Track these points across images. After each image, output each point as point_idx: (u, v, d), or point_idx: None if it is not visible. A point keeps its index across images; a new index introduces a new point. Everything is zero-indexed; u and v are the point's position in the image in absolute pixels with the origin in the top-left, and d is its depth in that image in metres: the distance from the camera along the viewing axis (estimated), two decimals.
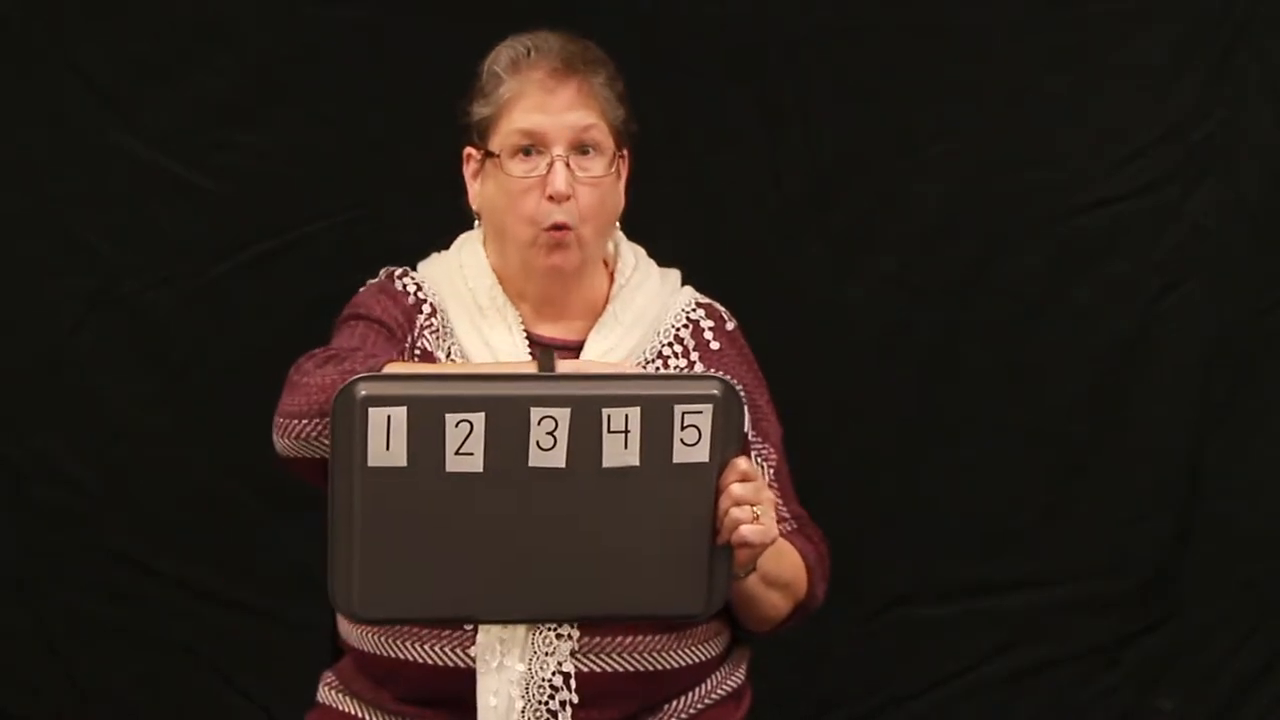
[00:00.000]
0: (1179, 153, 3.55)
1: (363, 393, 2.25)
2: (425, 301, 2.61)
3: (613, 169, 2.55)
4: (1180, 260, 3.57)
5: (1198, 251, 3.57)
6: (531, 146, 2.52)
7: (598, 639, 2.49)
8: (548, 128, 2.51)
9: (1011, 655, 3.64)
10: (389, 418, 2.26)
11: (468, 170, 2.61)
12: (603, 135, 2.54)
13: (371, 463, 2.27)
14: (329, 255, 3.55)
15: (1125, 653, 3.63)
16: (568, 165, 2.51)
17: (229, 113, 3.55)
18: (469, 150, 2.60)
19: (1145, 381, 3.59)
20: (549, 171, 2.51)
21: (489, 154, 2.55)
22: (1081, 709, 3.64)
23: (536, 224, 2.53)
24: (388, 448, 2.27)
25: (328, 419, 2.34)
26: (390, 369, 2.40)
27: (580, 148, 2.53)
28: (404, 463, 2.27)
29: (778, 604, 2.56)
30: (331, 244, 3.57)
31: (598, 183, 2.53)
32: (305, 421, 2.41)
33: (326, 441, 2.37)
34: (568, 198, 2.51)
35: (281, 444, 2.44)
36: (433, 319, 2.60)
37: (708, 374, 2.49)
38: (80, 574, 3.61)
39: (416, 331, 2.59)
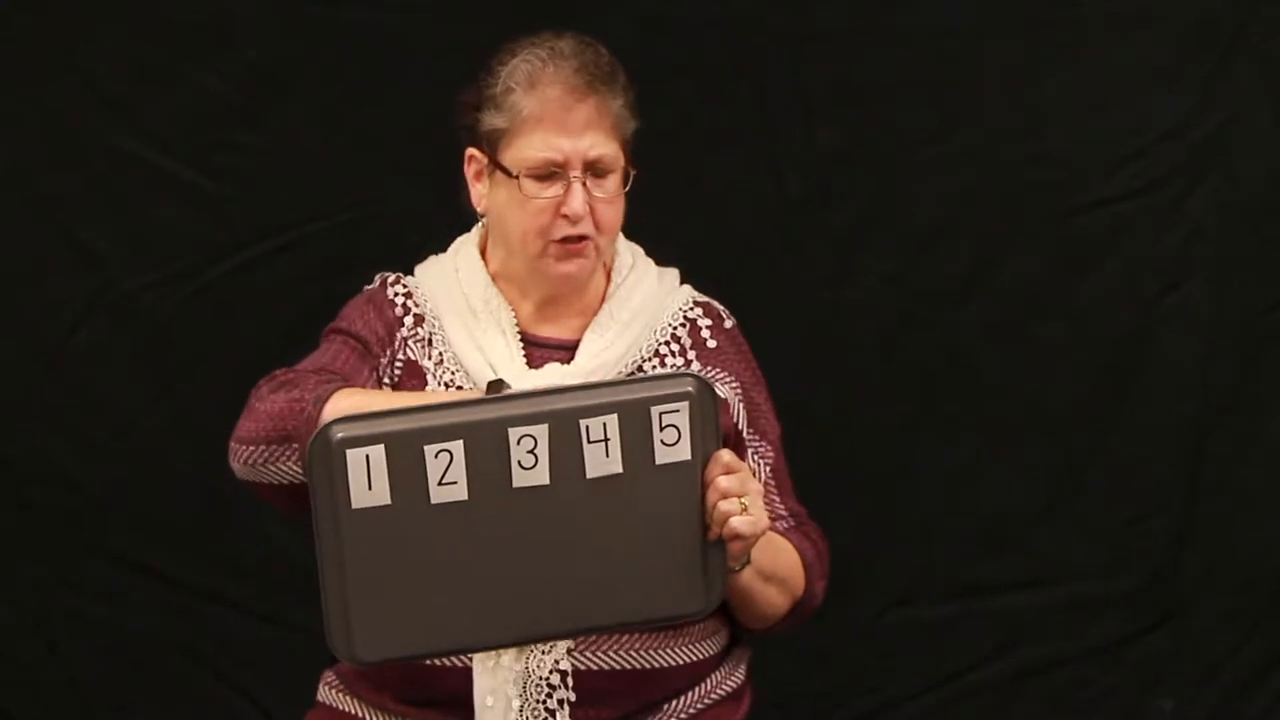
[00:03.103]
0: (1179, 153, 3.55)
1: (338, 435, 2.24)
2: (410, 313, 2.61)
3: (623, 187, 2.56)
4: (1180, 260, 3.57)
5: (1198, 251, 3.56)
6: (549, 171, 2.53)
7: (594, 638, 2.49)
8: (566, 152, 2.52)
9: (1011, 655, 3.64)
10: (367, 457, 2.25)
11: (469, 170, 2.61)
12: (616, 153, 2.55)
13: (355, 505, 2.26)
14: (329, 255, 3.54)
15: (1125, 653, 3.63)
16: (584, 185, 2.52)
17: (229, 113, 3.55)
18: (472, 152, 2.59)
19: (1145, 381, 3.58)
20: (566, 192, 2.52)
21: (502, 168, 2.55)
22: (1081, 709, 3.64)
23: (549, 237, 2.54)
24: (370, 487, 2.26)
25: (274, 446, 2.41)
26: (339, 396, 2.40)
27: (595, 170, 2.53)
28: (388, 500, 2.26)
29: (775, 600, 2.56)
30: (331, 244, 3.57)
31: (612, 200, 2.55)
32: (253, 448, 2.46)
33: (274, 468, 2.43)
34: (584, 218, 2.52)
35: (235, 468, 2.50)
36: (418, 329, 2.60)
37: (679, 371, 2.49)
38: (80, 574, 3.61)
39: (398, 344, 2.60)
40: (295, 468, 2.43)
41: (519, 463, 2.27)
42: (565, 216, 2.52)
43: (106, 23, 3.53)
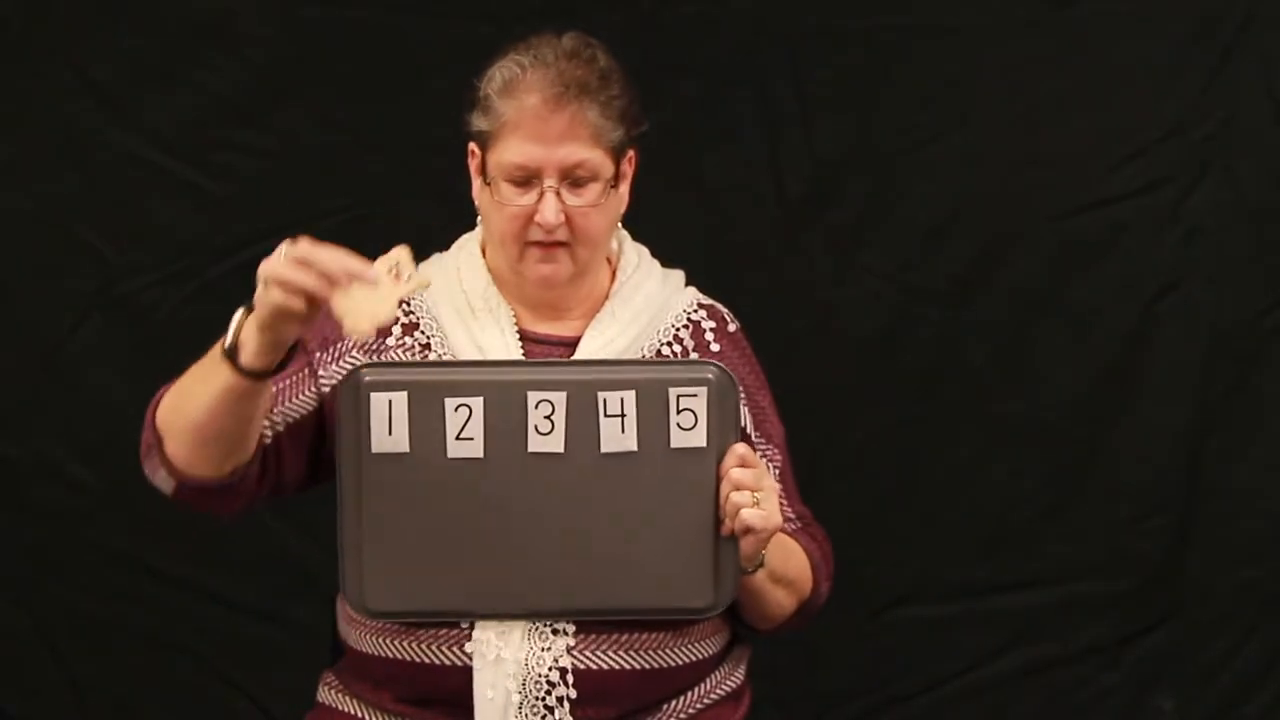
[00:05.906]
0: (1179, 153, 3.55)
1: (366, 378, 2.34)
2: (398, 322, 2.61)
3: (604, 196, 2.54)
4: (1180, 260, 3.57)
5: (1198, 251, 3.57)
6: (524, 178, 2.53)
7: (594, 635, 2.49)
8: (540, 160, 2.50)
9: (1011, 655, 3.64)
10: (390, 403, 2.33)
11: (471, 164, 2.61)
12: (597, 163, 2.52)
13: (375, 449, 2.34)
14: None
15: (1125, 653, 3.63)
16: (559, 194, 2.51)
17: (229, 113, 3.55)
18: (472, 146, 2.60)
19: (1145, 382, 3.59)
20: (540, 200, 2.52)
21: (485, 170, 2.55)
22: (1081, 709, 3.64)
23: (523, 241, 2.54)
24: (390, 433, 2.34)
25: (145, 464, 2.51)
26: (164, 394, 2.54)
27: (573, 179, 2.53)
28: (406, 448, 2.34)
29: (783, 601, 2.56)
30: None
31: (588, 210, 2.53)
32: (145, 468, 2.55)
33: (157, 481, 2.52)
34: (557, 227, 2.52)
35: None
36: (407, 337, 2.60)
37: (702, 360, 2.51)
38: (80, 574, 3.61)
39: (350, 344, 2.59)
40: (166, 478, 2.52)
41: (535, 427, 2.34)
42: (539, 224, 2.53)
43: (106, 23, 3.53)
